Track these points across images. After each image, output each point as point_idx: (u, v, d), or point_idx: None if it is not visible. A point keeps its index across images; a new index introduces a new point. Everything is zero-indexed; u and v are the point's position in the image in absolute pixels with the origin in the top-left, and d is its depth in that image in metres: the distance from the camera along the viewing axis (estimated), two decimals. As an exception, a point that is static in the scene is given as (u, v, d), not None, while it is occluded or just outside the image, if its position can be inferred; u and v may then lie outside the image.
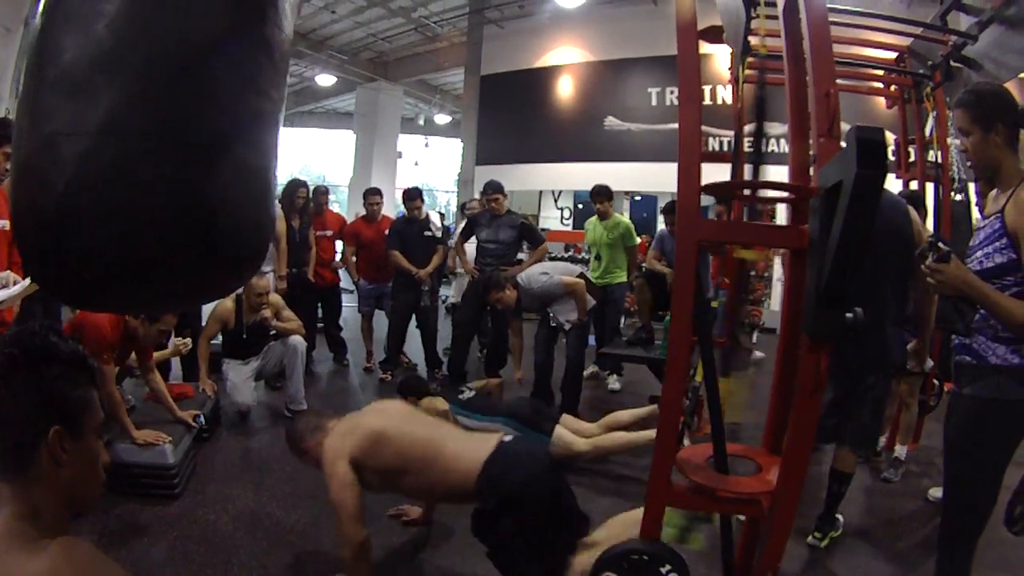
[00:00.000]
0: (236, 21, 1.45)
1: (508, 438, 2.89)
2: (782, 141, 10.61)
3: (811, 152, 2.12)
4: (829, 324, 1.69)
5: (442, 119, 21.13)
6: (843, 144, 1.72)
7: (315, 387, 6.27)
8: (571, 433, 4.42)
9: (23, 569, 1.04)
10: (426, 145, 22.30)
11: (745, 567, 2.11)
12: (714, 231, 2.10)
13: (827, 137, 1.98)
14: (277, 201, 6.64)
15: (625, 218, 6.98)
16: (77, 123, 1.27)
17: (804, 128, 2.25)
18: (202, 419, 4.37)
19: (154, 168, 1.31)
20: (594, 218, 6.91)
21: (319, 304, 6.96)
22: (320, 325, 7.12)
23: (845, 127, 1.83)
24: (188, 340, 5.00)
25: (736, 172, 2.84)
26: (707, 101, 8.74)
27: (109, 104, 1.28)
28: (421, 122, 21.90)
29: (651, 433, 4.37)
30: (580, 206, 13.98)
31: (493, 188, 6.37)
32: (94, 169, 1.27)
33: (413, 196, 6.61)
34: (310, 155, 24.31)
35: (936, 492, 4.21)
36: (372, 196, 6.94)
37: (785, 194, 2.25)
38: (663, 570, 1.89)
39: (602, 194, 6.71)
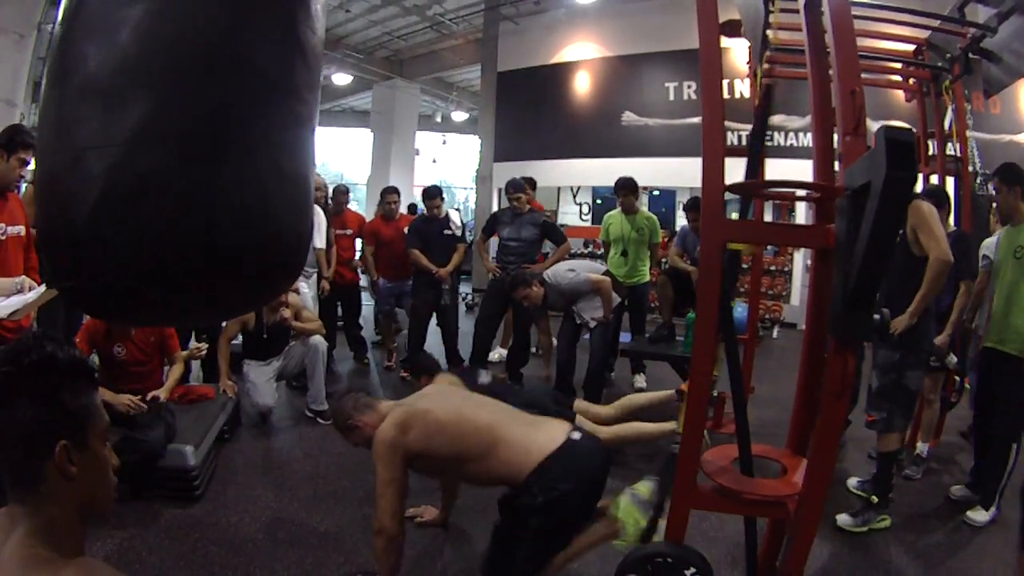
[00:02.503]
0: (268, 23, 1.40)
1: (576, 435, 2.74)
2: (801, 135, 10.57)
3: (836, 149, 2.11)
4: (856, 326, 1.68)
5: (459, 116, 21.10)
6: (870, 145, 1.71)
7: (336, 386, 6.25)
8: (589, 423, 4.41)
9: None
10: (444, 142, 22.27)
11: (769, 568, 2.09)
12: (740, 232, 2.08)
13: (853, 135, 1.96)
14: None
15: (650, 213, 6.85)
16: (105, 134, 1.23)
17: (828, 124, 2.23)
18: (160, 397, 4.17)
19: (188, 177, 1.26)
20: (616, 212, 6.71)
21: (339, 303, 6.97)
22: (340, 324, 7.15)
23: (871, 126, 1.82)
24: (204, 344, 5.03)
25: (756, 168, 2.83)
26: (725, 95, 8.63)
27: (138, 113, 1.24)
28: (439, 119, 21.89)
29: (669, 425, 4.39)
30: (599, 202, 13.92)
31: (515, 187, 6.36)
32: (125, 181, 1.23)
33: (432, 195, 6.60)
34: (328, 154, 24.30)
35: (958, 490, 4.21)
36: (389, 195, 6.96)
37: (809, 193, 2.23)
38: (688, 573, 1.88)
39: (627, 187, 6.51)
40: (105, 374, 4.15)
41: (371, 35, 15.60)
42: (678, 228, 6.94)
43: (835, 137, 2.15)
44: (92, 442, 1.15)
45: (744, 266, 5.92)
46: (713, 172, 1.92)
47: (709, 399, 1.89)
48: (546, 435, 2.73)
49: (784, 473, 1.95)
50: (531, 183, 7.06)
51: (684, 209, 6.10)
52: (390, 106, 18.12)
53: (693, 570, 1.88)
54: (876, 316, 1.72)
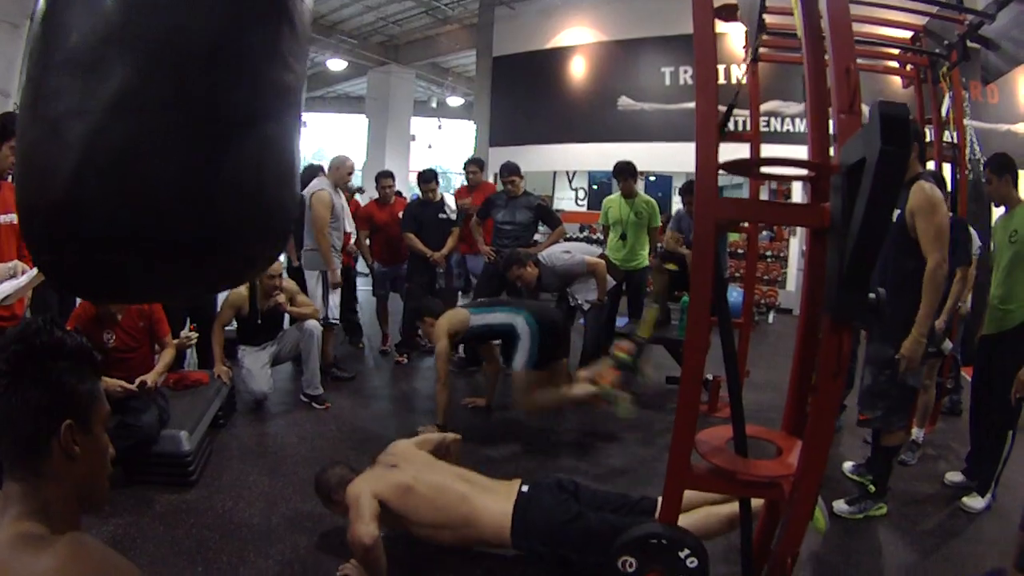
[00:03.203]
0: None
1: (524, 488, 2.97)
2: (797, 120, 10.53)
3: (831, 131, 2.09)
4: (852, 304, 1.66)
5: (455, 101, 21.03)
6: (865, 122, 1.69)
7: (331, 371, 6.26)
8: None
9: (30, 569, 1.03)
10: (439, 127, 22.19)
11: (763, 550, 2.09)
12: (733, 210, 2.06)
13: (848, 114, 1.94)
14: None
15: (650, 197, 6.80)
16: (84, 101, 1.18)
17: (823, 105, 2.21)
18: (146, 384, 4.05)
19: (171, 145, 1.22)
20: (615, 196, 6.70)
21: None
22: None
23: (865, 109, 1.80)
24: (194, 333, 5.00)
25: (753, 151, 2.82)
26: (721, 80, 8.62)
27: (120, 79, 1.19)
28: (434, 104, 21.81)
29: (584, 388, 4.57)
30: (595, 187, 13.90)
31: (509, 170, 6.34)
32: (105, 148, 1.18)
33: (428, 179, 6.59)
34: (324, 140, 24.19)
35: (953, 476, 4.22)
36: (384, 179, 6.93)
37: (804, 172, 2.20)
38: (682, 555, 1.87)
39: (627, 171, 6.50)
40: None
41: (366, 20, 15.51)
42: (674, 212, 6.88)
43: (830, 119, 2.15)
44: (95, 427, 1.18)
45: (739, 251, 5.95)
46: (706, 149, 1.89)
47: (702, 380, 1.86)
48: (500, 497, 2.95)
49: (779, 454, 1.94)
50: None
51: (680, 192, 6.08)
52: (385, 91, 18.05)
53: (687, 551, 1.88)
54: (871, 295, 1.70)
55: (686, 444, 1.88)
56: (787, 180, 2.14)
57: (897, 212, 3.37)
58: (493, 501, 2.93)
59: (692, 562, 1.88)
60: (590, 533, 2.73)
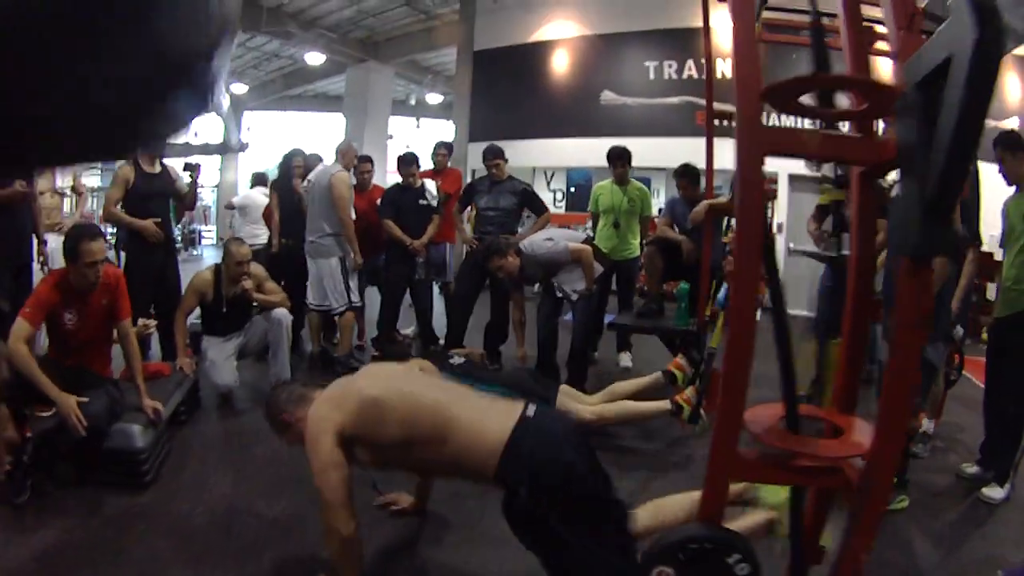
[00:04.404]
0: None
1: (531, 411, 2.41)
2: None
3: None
4: (938, 238, 1.34)
5: (434, 98, 20.69)
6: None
7: (303, 367, 5.90)
8: (574, 403, 4.09)
9: None
10: (417, 126, 21.83)
11: (814, 549, 1.75)
12: (783, 139, 1.73)
13: (907, 31, 1.65)
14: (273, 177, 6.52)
15: (642, 185, 6.53)
16: None
17: (861, 46, 1.92)
18: (161, 414, 3.79)
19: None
20: (606, 183, 6.41)
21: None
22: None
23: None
24: (152, 321, 4.63)
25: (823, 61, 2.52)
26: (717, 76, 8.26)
27: None
28: (412, 102, 21.48)
29: (661, 404, 4.08)
30: (572, 190, 13.63)
31: (494, 152, 6.01)
32: None
33: (409, 162, 6.27)
34: (301, 139, 23.83)
35: (969, 468, 4.03)
36: (363, 164, 6.65)
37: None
38: (730, 560, 1.51)
39: (622, 157, 6.21)
40: (53, 347, 3.82)
41: (345, 16, 15.15)
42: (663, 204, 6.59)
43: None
44: None
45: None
46: (747, 69, 1.57)
47: (753, 341, 1.51)
48: (502, 414, 2.39)
49: (837, 434, 1.59)
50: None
51: (675, 175, 5.74)
52: (363, 89, 17.67)
53: (737, 556, 1.52)
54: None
55: (733, 425, 1.53)
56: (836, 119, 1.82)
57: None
58: (486, 416, 2.40)
59: (743, 569, 1.52)
60: (588, 499, 2.28)
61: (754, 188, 1.51)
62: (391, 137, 19.55)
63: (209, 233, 20.40)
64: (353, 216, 5.96)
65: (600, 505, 2.31)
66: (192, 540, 2.94)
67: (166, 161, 5.29)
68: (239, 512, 3.26)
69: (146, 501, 3.29)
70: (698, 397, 4.06)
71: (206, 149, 15.48)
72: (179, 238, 15.75)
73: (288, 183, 6.29)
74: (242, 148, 16.78)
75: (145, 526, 3.04)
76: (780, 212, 10.00)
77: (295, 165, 6.37)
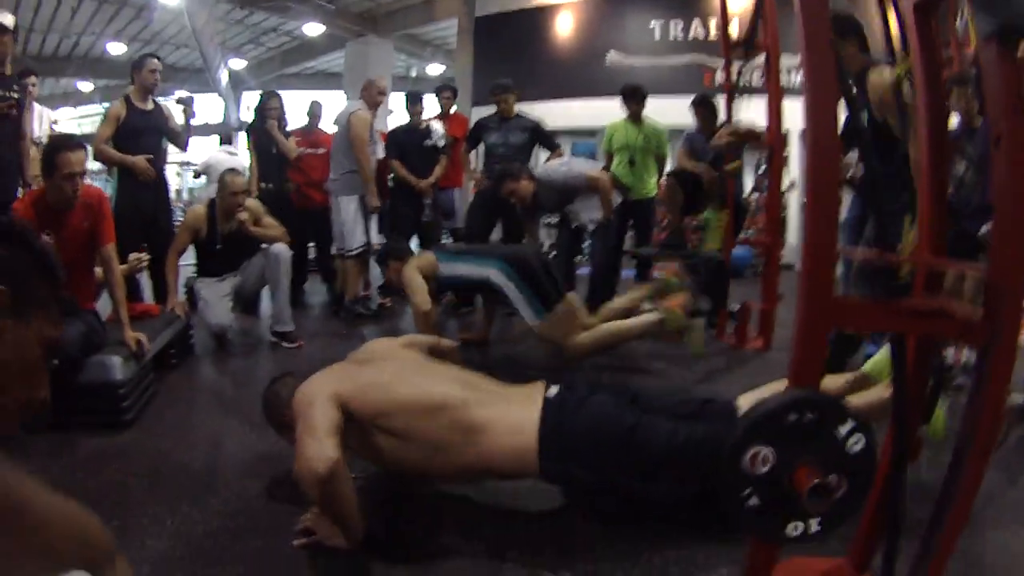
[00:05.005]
0: None
1: (551, 392, 2.13)
2: (793, 72, 10.02)
3: None
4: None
5: (434, 69, 20.38)
6: None
7: (305, 318, 5.58)
8: (566, 326, 3.82)
9: None
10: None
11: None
12: None
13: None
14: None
15: (658, 123, 6.13)
16: None
17: None
18: (145, 346, 3.40)
19: None
20: (620, 121, 5.99)
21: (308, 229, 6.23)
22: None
23: None
24: (145, 255, 4.27)
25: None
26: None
27: None
28: (413, 75, 21.16)
29: (650, 317, 3.80)
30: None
31: (503, 87, 5.69)
32: None
33: (415, 100, 6.02)
34: (301, 117, 23.53)
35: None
36: (443, 92, 6.70)
37: None
38: (842, 431, 1.17)
39: (635, 94, 5.82)
40: None
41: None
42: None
43: None
44: (34, 324, 1.06)
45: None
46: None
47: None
48: (523, 405, 2.10)
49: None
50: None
51: (692, 105, 5.41)
52: (363, 63, 17.31)
53: (850, 426, 1.18)
54: None
55: (825, 260, 1.20)
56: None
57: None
58: (509, 409, 2.09)
59: (857, 441, 1.20)
60: (661, 448, 1.96)
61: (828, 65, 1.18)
62: (391, 112, 19.26)
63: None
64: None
65: (668, 433, 1.99)
66: (171, 478, 2.59)
67: (159, 100, 4.98)
68: (224, 448, 2.96)
69: (125, 440, 2.94)
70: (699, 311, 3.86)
71: (205, 129, 15.22)
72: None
73: (263, 125, 6.04)
74: (241, 127, 16.50)
75: (119, 465, 2.68)
76: (792, 170, 9.66)
77: (270, 107, 6.09)
